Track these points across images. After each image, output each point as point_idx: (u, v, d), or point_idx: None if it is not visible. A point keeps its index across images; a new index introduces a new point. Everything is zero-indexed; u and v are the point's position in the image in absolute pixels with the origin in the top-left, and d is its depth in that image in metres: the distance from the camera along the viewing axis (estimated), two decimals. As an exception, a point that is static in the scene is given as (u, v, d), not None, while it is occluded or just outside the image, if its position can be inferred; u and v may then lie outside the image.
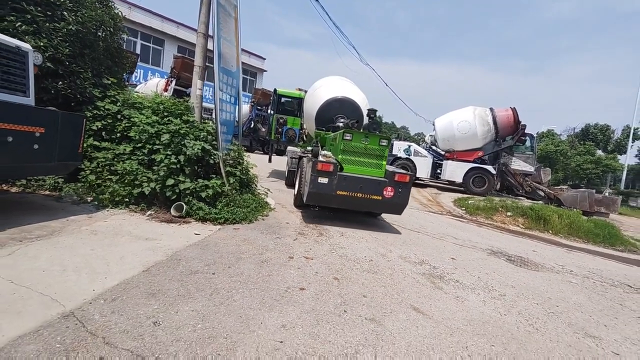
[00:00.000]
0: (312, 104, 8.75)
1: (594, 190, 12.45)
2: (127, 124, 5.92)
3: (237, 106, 6.72)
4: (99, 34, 6.47)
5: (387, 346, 2.54)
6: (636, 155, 28.47)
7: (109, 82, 6.41)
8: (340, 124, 7.32)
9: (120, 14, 7.13)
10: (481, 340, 2.84)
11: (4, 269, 2.76)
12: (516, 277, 4.82)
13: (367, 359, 2.34)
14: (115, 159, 5.56)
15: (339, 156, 5.70)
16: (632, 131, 27.96)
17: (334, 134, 6.54)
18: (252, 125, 21.16)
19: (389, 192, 5.59)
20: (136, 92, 8.80)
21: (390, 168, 6.05)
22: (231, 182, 5.81)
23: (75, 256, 3.22)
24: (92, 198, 5.32)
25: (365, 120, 7.05)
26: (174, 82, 15.38)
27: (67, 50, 5.57)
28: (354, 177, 5.52)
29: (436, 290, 3.80)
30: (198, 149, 5.36)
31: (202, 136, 5.69)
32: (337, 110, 8.08)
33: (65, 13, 5.71)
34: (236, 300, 2.86)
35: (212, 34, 5.80)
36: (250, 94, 29.15)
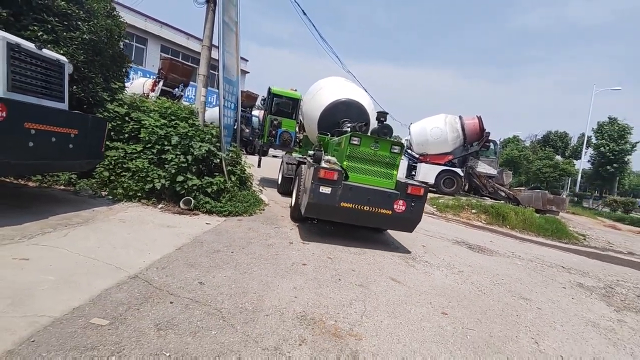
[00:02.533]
0: (314, 106, 8.16)
1: (547, 192, 14.08)
2: (135, 126, 6.50)
3: (236, 112, 7.43)
4: (107, 41, 6.98)
5: (373, 300, 3.41)
6: (588, 161, 31.22)
7: (116, 86, 6.96)
8: (348, 129, 6.63)
9: (124, 22, 7.65)
10: (442, 299, 3.79)
11: (68, 246, 3.40)
12: (473, 259, 5.87)
13: (359, 307, 3.21)
14: (127, 157, 6.14)
15: (344, 163, 5.11)
16: (585, 139, 30.76)
17: (339, 138, 5.99)
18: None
19: (400, 206, 4.94)
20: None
21: (402, 179, 5.42)
22: (232, 179, 6.52)
23: (117, 238, 3.89)
24: (106, 192, 5.88)
25: (371, 125, 6.55)
26: (161, 83, 15.71)
27: (82, 57, 6.10)
28: (361, 188, 4.88)
29: (409, 268, 4.74)
30: (205, 149, 6.05)
31: (207, 139, 6.37)
32: (343, 114, 7.56)
33: (79, 23, 6.24)
34: (255, 271, 3.65)
35: (218, 48, 6.45)
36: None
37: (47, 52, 4.25)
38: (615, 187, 31.76)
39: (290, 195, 7.43)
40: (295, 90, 10.36)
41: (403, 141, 22.69)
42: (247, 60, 31.55)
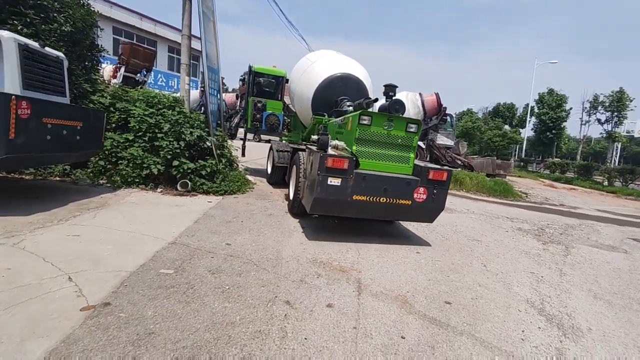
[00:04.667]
0: (306, 84, 7.24)
1: (495, 158, 15.90)
2: (121, 116, 6.75)
3: (219, 98, 7.82)
4: (84, 31, 7.00)
5: (363, 249, 4.32)
6: (532, 129, 34.46)
7: (97, 77, 7.07)
8: (350, 108, 5.99)
9: (96, 11, 7.61)
10: (415, 245, 4.80)
11: (104, 224, 3.93)
12: (437, 216, 7.01)
13: (354, 253, 4.10)
14: (119, 147, 6.44)
15: (354, 147, 4.41)
16: (529, 109, 33.82)
17: (341, 118, 5.28)
18: (202, 111, 21.37)
19: (421, 195, 4.34)
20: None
21: (421, 162, 4.77)
22: (223, 162, 7.06)
23: (140, 216, 4.43)
24: (104, 180, 6.22)
25: (377, 100, 5.58)
26: (123, 69, 15.12)
27: (63, 50, 6.18)
28: (376, 176, 4.20)
29: (390, 227, 5.72)
30: (197, 135, 6.51)
31: (196, 125, 6.80)
32: (340, 91, 6.77)
33: (55, 15, 6.25)
34: (266, 234, 4.40)
35: (200, 38, 6.77)
36: (196, 78, 28.69)
37: (48, 50, 4.49)
38: (554, 151, 35.55)
39: (283, 186, 7.28)
40: (275, 67, 9.31)
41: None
42: (196, 37, 30.40)
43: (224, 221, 4.69)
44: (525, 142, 35.85)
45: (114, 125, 6.71)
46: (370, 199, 4.18)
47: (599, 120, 29.87)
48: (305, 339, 2.28)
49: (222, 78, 21.93)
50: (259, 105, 8.61)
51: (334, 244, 4.33)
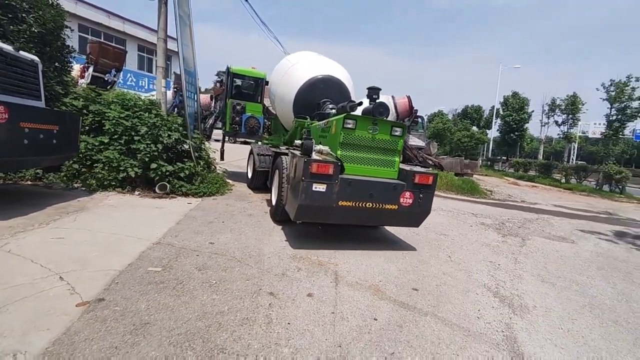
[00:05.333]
0: (287, 86, 7.06)
1: (463, 157, 16.81)
2: (95, 118, 6.69)
3: (196, 101, 7.88)
4: (55, 32, 6.86)
5: (338, 245, 4.62)
6: (498, 130, 36.43)
7: (69, 79, 6.96)
8: (333, 111, 5.89)
9: (65, 10, 7.47)
10: (387, 241, 5.16)
11: (86, 227, 3.99)
12: (409, 213, 7.46)
13: (330, 249, 4.39)
14: (94, 150, 6.39)
15: (338, 152, 4.34)
16: (495, 111, 35.70)
17: (325, 122, 5.19)
18: (175, 112, 20.97)
19: (407, 199, 4.32)
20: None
21: (406, 166, 4.84)
22: (201, 164, 7.15)
23: (121, 219, 4.49)
24: (79, 184, 6.15)
25: (360, 103, 5.38)
26: (91, 69, 14.64)
27: (33, 51, 6.06)
28: (362, 181, 4.16)
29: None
30: (175, 138, 6.58)
31: (173, 128, 6.86)
32: (322, 93, 6.68)
33: (24, 15, 6.12)
34: (248, 233, 4.60)
35: (176, 41, 6.82)
36: (168, 79, 28.03)
37: (23, 54, 4.46)
38: (518, 151, 37.72)
39: (264, 191, 7.28)
40: (254, 68, 9.11)
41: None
42: (172, 38, 29.73)
43: (206, 222, 4.84)
44: (491, 143, 37.80)
45: (87, 128, 6.63)
46: (356, 204, 4.11)
47: (556, 122, 32.05)
48: (289, 323, 2.54)
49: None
50: (237, 107, 8.40)
51: (312, 240, 4.60)
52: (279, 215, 5.09)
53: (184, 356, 2.03)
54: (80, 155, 6.23)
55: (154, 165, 6.32)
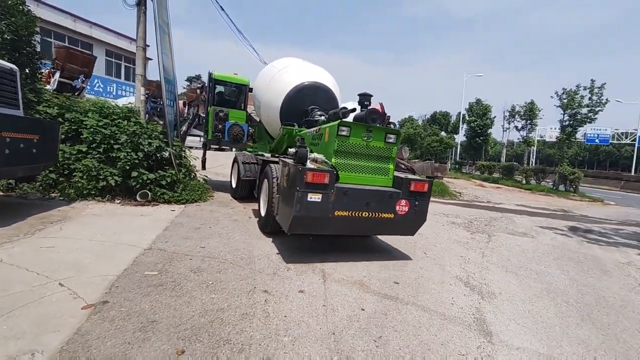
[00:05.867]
0: (274, 93, 6.83)
1: (433, 161, 17.69)
2: (72, 127, 6.58)
3: (175, 109, 7.90)
4: (27, 39, 6.71)
5: (326, 246, 4.89)
6: (464, 135, 38.31)
7: (41, 86, 6.80)
8: (322, 118, 5.81)
9: (37, 17, 7.30)
10: (367, 242, 5.49)
11: (74, 235, 4.00)
12: (385, 215, 7.87)
13: (319, 251, 4.65)
14: (71, 158, 6.28)
15: (333, 160, 4.21)
16: (461, 117, 37.63)
17: (315, 129, 5.08)
18: (147, 119, 20.47)
19: (403, 207, 4.26)
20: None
21: (400, 173, 4.80)
22: (183, 171, 7.19)
23: (108, 227, 4.52)
24: (56, 194, 6.02)
25: (348, 110, 5.31)
26: (57, 74, 14.07)
27: (6, 58, 5.92)
28: (358, 190, 4.06)
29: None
30: (156, 146, 6.60)
31: (154, 135, 6.87)
32: (310, 100, 6.55)
33: (-4, 22, 5.98)
34: (236, 237, 4.76)
35: (157, 52, 6.85)
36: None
37: (2, 63, 4.41)
38: (483, 155, 39.90)
39: (250, 200, 7.28)
40: (236, 74, 8.75)
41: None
42: (148, 46, 29.00)
43: (193, 228, 4.95)
44: (458, 147, 39.72)
45: (62, 136, 6.50)
46: (352, 214, 4.00)
47: (516, 127, 34.34)
48: (285, 316, 2.77)
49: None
50: (220, 114, 8.07)
51: (298, 243, 4.83)
52: (269, 226, 4.94)
53: (193, 348, 2.21)
54: (57, 164, 6.12)
55: (134, 174, 6.31)
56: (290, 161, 4.25)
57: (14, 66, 4.71)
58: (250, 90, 8.36)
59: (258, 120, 8.64)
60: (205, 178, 8.42)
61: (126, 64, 26.39)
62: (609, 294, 4.19)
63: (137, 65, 7.17)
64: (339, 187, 3.94)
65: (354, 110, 5.11)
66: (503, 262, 5.05)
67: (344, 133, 4.17)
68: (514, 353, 2.63)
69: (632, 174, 38.22)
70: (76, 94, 13.93)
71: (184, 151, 7.80)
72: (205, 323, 2.51)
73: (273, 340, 2.42)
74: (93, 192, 6.14)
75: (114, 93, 24.70)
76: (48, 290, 2.69)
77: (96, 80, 23.35)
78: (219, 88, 8.45)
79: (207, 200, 7.21)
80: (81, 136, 6.46)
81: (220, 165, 14.01)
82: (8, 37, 5.97)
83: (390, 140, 4.43)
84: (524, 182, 23.87)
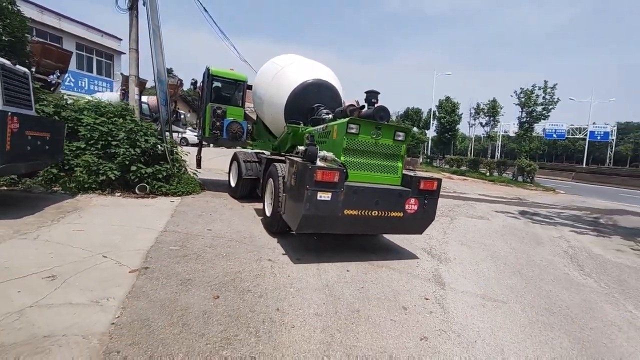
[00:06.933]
0: (277, 90, 6.67)
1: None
2: (69, 124, 6.94)
3: (166, 107, 8.35)
4: (22, 40, 6.96)
5: (312, 227, 5.69)
6: (435, 130, 40.31)
7: (37, 85, 7.09)
8: (329, 116, 5.72)
9: (28, 17, 7.53)
10: (348, 222, 6.36)
11: (96, 221, 4.57)
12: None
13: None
14: (70, 155, 6.67)
15: (342, 158, 4.22)
16: (431, 113, 39.55)
17: (323, 126, 5.07)
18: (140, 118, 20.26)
19: (412, 206, 4.28)
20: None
21: (409, 172, 4.79)
22: (177, 166, 7.72)
23: (119, 215, 5.08)
24: (58, 187, 6.42)
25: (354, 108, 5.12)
26: (33, 70, 13.89)
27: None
28: (367, 189, 4.04)
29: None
30: (152, 142, 7.10)
31: (149, 132, 7.35)
32: (315, 98, 6.41)
33: (-7, 24, 6.25)
34: (236, 221, 5.47)
35: (151, 56, 7.29)
36: (110, 79, 26.62)
37: (18, 67, 4.83)
38: (452, 149, 42.16)
39: (251, 200, 7.33)
40: (232, 70, 8.55)
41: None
42: (120, 40, 28.34)
43: (196, 215, 5.60)
44: (430, 142, 41.70)
45: (61, 134, 6.86)
46: (362, 212, 4.00)
47: (481, 123, 36.61)
48: (289, 276, 3.56)
49: (146, 81, 21.16)
50: (218, 112, 7.83)
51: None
52: (275, 226, 4.89)
53: (225, 295, 2.95)
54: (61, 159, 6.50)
55: (133, 168, 6.81)
56: (298, 159, 4.24)
57: (26, 70, 5.12)
58: (249, 87, 8.25)
59: (255, 117, 8.69)
60: (196, 174, 8.95)
61: (98, 58, 25.72)
62: (538, 258, 5.30)
63: (131, 66, 7.58)
64: (349, 185, 3.93)
65: (363, 107, 5.07)
66: (460, 238, 6.09)
67: (353, 130, 4.16)
68: (459, 295, 3.58)
69: (583, 165, 41.87)
70: (51, 89, 13.82)
71: (176, 147, 8.30)
72: (228, 280, 3.25)
73: (282, 290, 3.21)
74: (94, 185, 6.58)
75: (86, 88, 24.09)
76: (97, 260, 3.32)
77: (67, 75, 22.68)
78: (217, 84, 8.26)
79: (200, 192, 7.80)
80: (78, 133, 6.85)
81: (209, 159, 14.39)
82: (6, 39, 6.24)
83: (399, 138, 4.44)
84: (487, 174, 25.78)
